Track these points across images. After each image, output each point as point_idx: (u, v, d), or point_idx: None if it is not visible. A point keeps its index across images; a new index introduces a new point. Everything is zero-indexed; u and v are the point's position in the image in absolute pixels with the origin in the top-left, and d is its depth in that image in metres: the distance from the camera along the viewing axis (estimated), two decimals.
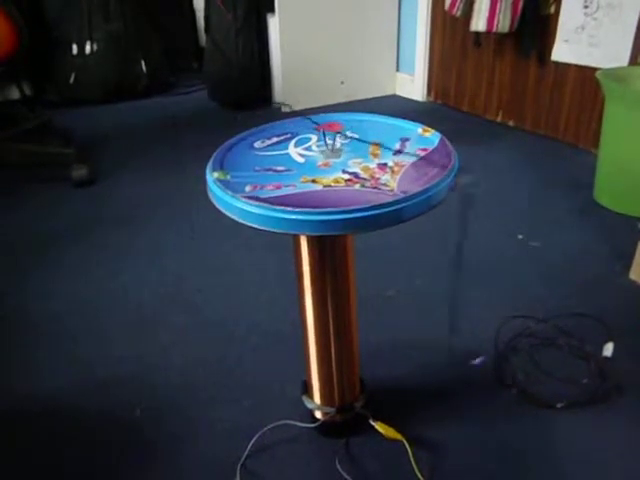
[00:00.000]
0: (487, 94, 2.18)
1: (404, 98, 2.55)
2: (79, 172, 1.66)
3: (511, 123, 2.11)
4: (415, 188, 0.54)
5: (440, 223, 1.37)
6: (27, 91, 2.57)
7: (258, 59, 2.36)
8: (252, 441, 0.77)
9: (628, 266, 1.14)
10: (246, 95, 2.41)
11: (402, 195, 0.52)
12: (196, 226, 1.41)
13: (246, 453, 0.76)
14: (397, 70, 2.59)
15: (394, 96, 2.60)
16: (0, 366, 0.96)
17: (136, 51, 2.61)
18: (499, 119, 2.15)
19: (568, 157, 1.80)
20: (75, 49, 2.50)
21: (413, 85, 2.51)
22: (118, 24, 2.54)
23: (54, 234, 1.41)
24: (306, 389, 0.79)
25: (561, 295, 1.09)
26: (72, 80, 2.51)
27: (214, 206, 0.58)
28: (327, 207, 0.51)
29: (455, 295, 1.11)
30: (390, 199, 0.52)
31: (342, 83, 2.47)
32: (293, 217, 0.51)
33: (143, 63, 2.63)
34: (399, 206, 0.52)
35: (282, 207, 0.51)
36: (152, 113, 2.43)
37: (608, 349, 0.91)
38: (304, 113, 2.28)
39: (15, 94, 2.55)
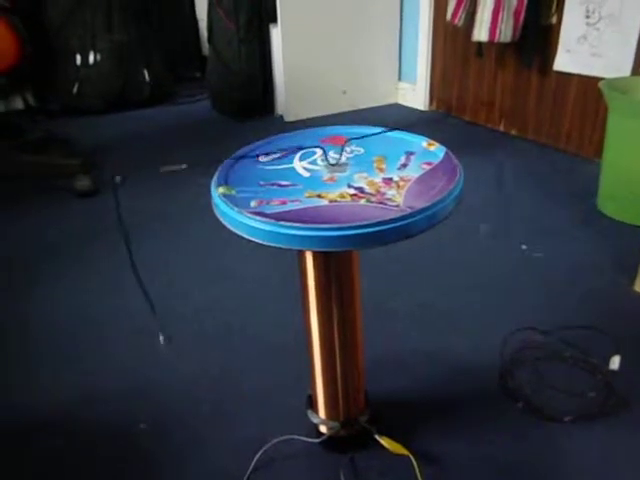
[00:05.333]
0: (489, 103, 2.18)
1: (406, 107, 2.56)
2: (82, 182, 1.66)
3: (513, 132, 2.11)
4: (421, 203, 0.53)
5: (444, 235, 1.37)
6: (31, 101, 2.58)
7: (260, 69, 2.37)
8: (257, 456, 0.76)
9: (633, 277, 1.13)
10: (248, 104, 2.42)
11: (409, 210, 0.52)
12: (199, 239, 1.41)
13: (251, 468, 0.75)
14: (399, 79, 2.59)
15: (396, 105, 2.60)
16: (0, 379, 0.96)
17: (139, 61, 2.62)
18: (501, 128, 2.15)
19: (571, 166, 1.80)
20: (79, 59, 2.51)
21: (415, 94, 2.51)
22: (121, 34, 2.56)
23: (57, 245, 1.41)
24: (311, 403, 0.78)
25: (566, 307, 1.09)
26: (75, 90, 2.52)
27: (217, 217, 0.58)
28: (333, 223, 0.51)
29: (459, 307, 1.10)
30: (397, 215, 0.51)
31: (344, 93, 2.47)
32: (299, 233, 0.51)
33: (146, 73, 2.64)
34: (406, 222, 0.51)
35: (288, 223, 0.51)
36: (155, 123, 2.43)
37: (615, 362, 0.90)
38: (306, 123, 2.29)
39: (19, 104, 2.56)
